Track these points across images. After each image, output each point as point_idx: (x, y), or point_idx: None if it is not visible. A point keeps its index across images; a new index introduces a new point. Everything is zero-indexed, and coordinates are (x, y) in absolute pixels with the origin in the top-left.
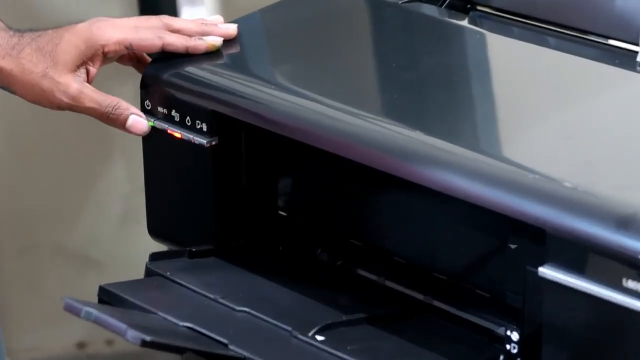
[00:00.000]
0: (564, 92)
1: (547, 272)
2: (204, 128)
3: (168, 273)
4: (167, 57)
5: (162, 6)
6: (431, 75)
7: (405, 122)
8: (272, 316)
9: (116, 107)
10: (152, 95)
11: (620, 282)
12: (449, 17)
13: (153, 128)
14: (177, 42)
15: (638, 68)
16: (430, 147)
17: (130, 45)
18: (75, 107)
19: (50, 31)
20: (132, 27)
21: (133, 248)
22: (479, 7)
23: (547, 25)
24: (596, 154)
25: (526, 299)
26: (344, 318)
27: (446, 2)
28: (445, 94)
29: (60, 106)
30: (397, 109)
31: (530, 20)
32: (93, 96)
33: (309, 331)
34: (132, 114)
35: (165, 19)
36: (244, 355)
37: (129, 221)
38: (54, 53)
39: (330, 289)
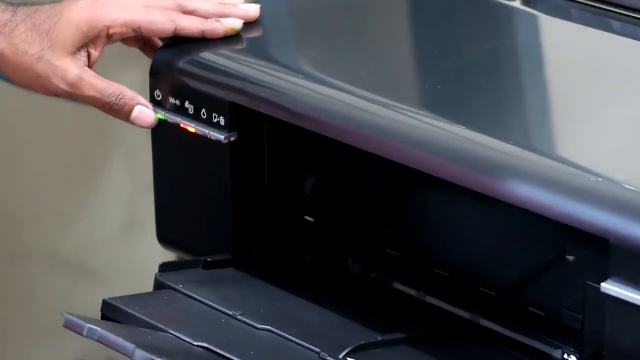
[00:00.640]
0: (630, 83)
1: (610, 287)
2: (222, 122)
3: (180, 286)
4: (180, 41)
5: None
6: (478, 64)
7: (449, 117)
8: (298, 335)
9: (120, 96)
10: (162, 84)
11: None
12: None
13: (164, 121)
14: (191, 25)
15: None
16: (477, 145)
17: (139, 27)
18: (73, 94)
19: (47, 7)
20: (141, 6)
21: (136, 256)
22: None
23: (611, 7)
24: None
25: (586, 318)
26: (378, 338)
27: None
28: (495, 85)
29: (56, 93)
30: (439, 102)
31: (591, 1)
32: (94, 83)
33: (340, 353)
34: (137, 104)
35: None
36: None
37: (132, 226)
38: (51, 33)
39: (363, 305)
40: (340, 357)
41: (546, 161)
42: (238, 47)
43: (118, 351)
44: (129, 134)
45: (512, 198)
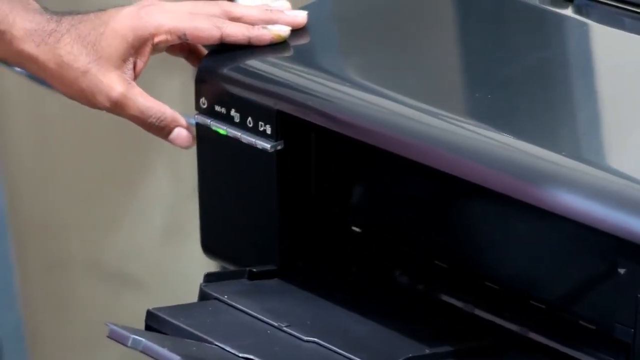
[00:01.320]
0: None
1: None
2: (268, 130)
3: (225, 296)
4: (226, 49)
5: None
6: (529, 73)
7: (499, 127)
8: (345, 348)
9: (161, 118)
10: (208, 92)
11: None
12: (550, 5)
13: (209, 130)
14: (238, 32)
15: None
16: (528, 155)
17: (184, 35)
18: (115, 112)
19: (92, 16)
20: (187, 13)
21: (178, 265)
22: None
23: None
24: None
25: (637, 332)
26: (427, 351)
27: None
28: (546, 94)
29: (98, 107)
30: (489, 111)
31: None
32: (138, 103)
33: None
34: (177, 126)
35: (225, 4)
36: None
37: (174, 234)
38: (97, 45)
39: (411, 318)
40: None
41: (598, 173)
42: (285, 54)
43: None
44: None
45: (563, 210)
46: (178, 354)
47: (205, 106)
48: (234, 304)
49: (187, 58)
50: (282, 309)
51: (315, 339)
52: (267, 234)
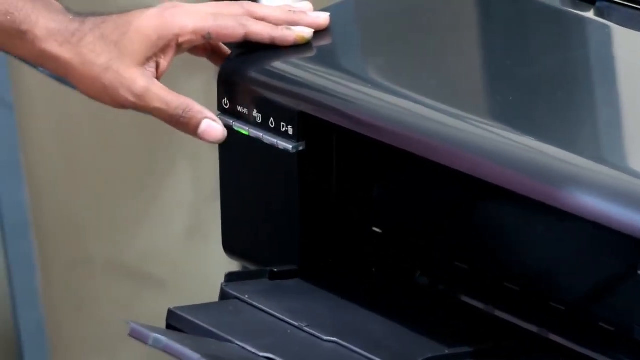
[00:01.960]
0: None
1: None
2: (290, 131)
3: (246, 296)
4: (248, 50)
5: None
6: (551, 75)
7: (520, 128)
8: (365, 348)
9: (187, 109)
10: (231, 92)
11: None
12: (572, 8)
13: (231, 130)
14: (262, 31)
15: None
16: (549, 157)
17: (209, 34)
18: (140, 106)
19: (115, 17)
20: (210, 13)
21: (199, 266)
22: None
23: None
24: None
25: None
26: (446, 352)
27: None
28: (568, 96)
29: (123, 104)
30: (510, 113)
31: None
32: (161, 95)
33: None
34: (205, 117)
35: (248, 5)
36: None
37: (195, 234)
38: (120, 43)
39: (431, 318)
40: None
41: (618, 174)
42: (307, 55)
43: None
44: (193, 142)
45: (583, 211)
46: (198, 353)
47: (227, 106)
48: (254, 303)
49: (210, 58)
50: (302, 309)
51: (335, 339)
52: (288, 234)
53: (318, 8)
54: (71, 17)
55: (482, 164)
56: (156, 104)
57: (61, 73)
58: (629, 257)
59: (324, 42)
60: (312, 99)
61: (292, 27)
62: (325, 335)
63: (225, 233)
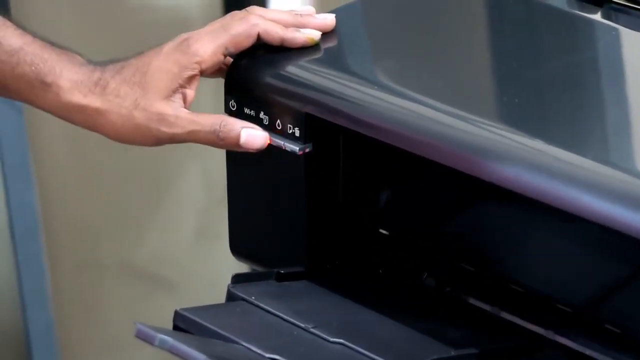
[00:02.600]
0: None
1: None
2: (297, 133)
3: (253, 297)
4: (255, 52)
5: None
6: (559, 77)
7: (529, 132)
8: (371, 349)
9: (223, 124)
10: (238, 94)
11: None
12: (579, 10)
13: None
14: (273, 31)
15: None
16: (556, 160)
17: (226, 48)
18: (175, 135)
19: (133, 60)
20: (220, 27)
21: (208, 267)
22: None
23: None
24: None
25: None
26: (452, 353)
27: None
28: (575, 99)
29: (159, 139)
30: (518, 116)
31: None
32: (192, 118)
33: None
34: (243, 127)
35: (257, 9)
36: None
37: (204, 237)
38: (142, 83)
39: (437, 320)
40: None
41: (625, 177)
42: (314, 57)
43: None
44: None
45: (589, 213)
46: (205, 354)
47: (234, 108)
48: (261, 304)
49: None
50: (309, 311)
51: (342, 340)
52: (295, 236)
53: (325, 10)
54: (92, 67)
55: (489, 167)
56: (190, 127)
57: (89, 124)
58: (636, 259)
59: (331, 44)
60: (318, 101)
61: (301, 30)
62: (332, 337)
63: (232, 235)
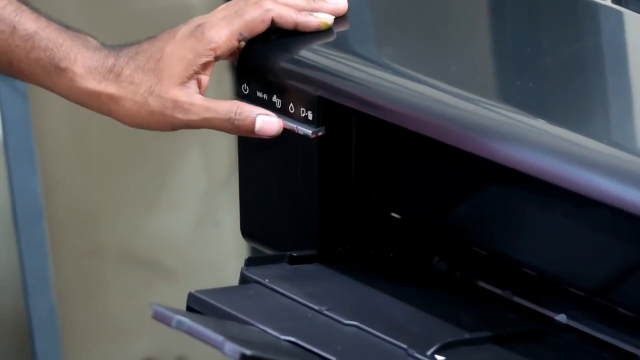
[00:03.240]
0: None
1: None
2: (310, 116)
3: (266, 280)
4: (267, 36)
5: None
6: (568, 62)
7: (541, 115)
8: (385, 332)
9: (238, 110)
10: (250, 78)
11: None
12: None
13: None
14: (287, 15)
15: None
16: (569, 143)
17: (241, 34)
18: (190, 122)
19: (146, 45)
20: (234, 12)
21: (211, 254)
22: None
23: None
24: None
25: None
26: (466, 336)
27: None
28: (586, 83)
29: (174, 125)
30: (530, 99)
31: None
32: (207, 105)
33: (428, 349)
34: (258, 114)
35: None
36: None
37: (207, 223)
38: (157, 69)
39: (450, 303)
40: (428, 354)
41: (637, 159)
42: (326, 41)
43: (207, 343)
44: (204, 129)
45: (601, 196)
46: (222, 334)
47: (247, 92)
48: (274, 287)
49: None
50: (322, 293)
51: (356, 323)
52: (307, 219)
53: None
54: (106, 52)
55: (500, 149)
56: (205, 114)
57: (104, 110)
58: None
59: (343, 28)
60: (331, 84)
61: (314, 14)
62: (346, 319)
63: (243, 218)
